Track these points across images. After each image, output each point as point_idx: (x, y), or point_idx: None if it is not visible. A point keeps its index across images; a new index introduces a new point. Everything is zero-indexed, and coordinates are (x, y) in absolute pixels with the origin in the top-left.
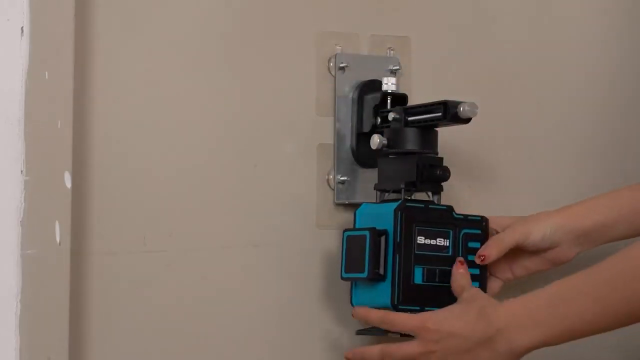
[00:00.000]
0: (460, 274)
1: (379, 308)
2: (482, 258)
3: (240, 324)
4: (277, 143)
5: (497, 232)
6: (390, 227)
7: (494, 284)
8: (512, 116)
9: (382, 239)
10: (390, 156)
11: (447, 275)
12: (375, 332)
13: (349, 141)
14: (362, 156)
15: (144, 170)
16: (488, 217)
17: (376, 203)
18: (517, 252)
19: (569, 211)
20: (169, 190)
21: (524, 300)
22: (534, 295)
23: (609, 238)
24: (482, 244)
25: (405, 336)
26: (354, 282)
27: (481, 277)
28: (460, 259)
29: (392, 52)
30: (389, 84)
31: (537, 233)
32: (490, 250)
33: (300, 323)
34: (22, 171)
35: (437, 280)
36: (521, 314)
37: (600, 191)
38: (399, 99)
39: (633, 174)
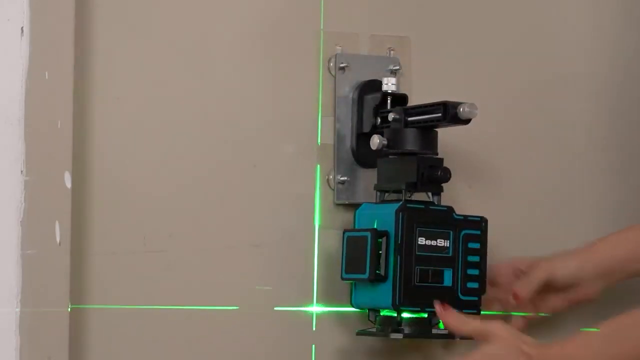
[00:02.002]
0: (449, 317)
1: (379, 309)
2: (516, 296)
3: (240, 324)
4: (277, 143)
5: (523, 272)
6: (391, 228)
7: (519, 322)
8: (512, 116)
9: (383, 239)
10: (390, 156)
11: (441, 276)
12: (376, 333)
13: (349, 141)
14: (362, 156)
15: (143, 170)
16: (511, 258)
17: (376, 203)
18: (541, 290)
19: (592, 249)
20: (169, 191)
21: (568, 347)
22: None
23: (631, 273)
24: (482, 245)
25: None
26: (354, 283)
27: (480, 278)
28: (436, 302)
29: (392, 52)
30: (389, 84)
31: (563, 270)
32: (522, 291)
33: (300, 323)
34: (22, 171)
35: (430, 280)
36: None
37: (600, 191)
38: (399, 99)
39: (635, 174)
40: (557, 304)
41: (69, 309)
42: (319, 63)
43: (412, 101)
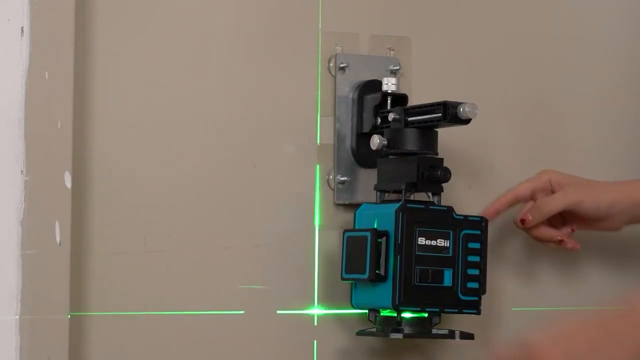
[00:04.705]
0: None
1: (379, 309)
2: (522, 222)
3: (240, 324)
4: (277, 143)
5: (552, 191)
6: (391, 228)
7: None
8: (512, 116)
9: (383, 239)
10: (390, 157)
11: (441, 276)
12: (376, 333)
13: (349, 141)
14: (362, 156)
15: (143, 170)
16: (549, 168)
17: (376, 203)
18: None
19: (627, 187)
20: (169, 191)
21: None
22: None
23: None
24: (482, 245)
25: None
26: (354, 283)
27: (480, 278)
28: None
29: (392, 52)
30: (389, 84)
31: (590, 204)
32: (532, 216)
33: (300, 323)
34: (22, 171)
35: (429, 280)
36: None
37: None
38: (399, 99)
39: (636, 173)
40: (576, 226)
41: (69, 311)
42: (319, 63)
43: (412, 101)
